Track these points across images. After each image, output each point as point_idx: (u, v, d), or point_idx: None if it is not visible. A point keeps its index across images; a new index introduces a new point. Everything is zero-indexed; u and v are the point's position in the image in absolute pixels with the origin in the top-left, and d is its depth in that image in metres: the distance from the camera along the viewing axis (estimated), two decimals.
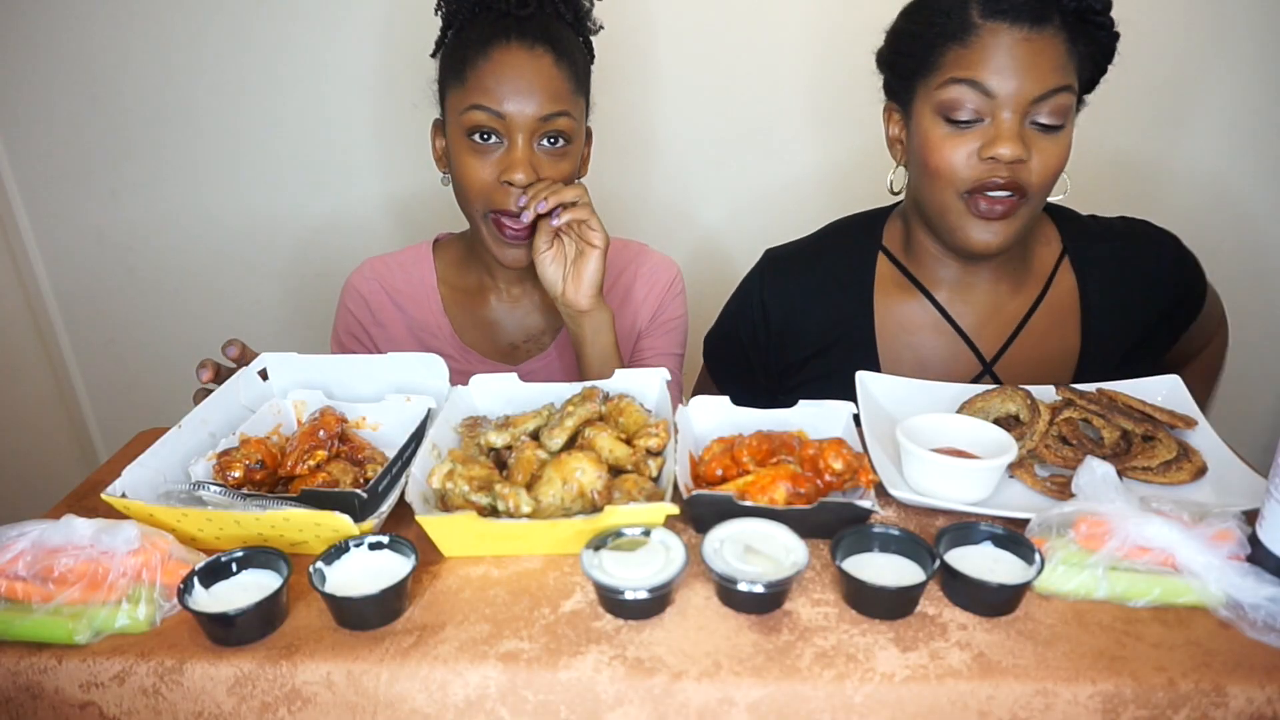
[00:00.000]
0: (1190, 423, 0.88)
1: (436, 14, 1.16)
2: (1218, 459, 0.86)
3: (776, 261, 1.23)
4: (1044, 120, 0.97)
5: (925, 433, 0.85)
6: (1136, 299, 1.13)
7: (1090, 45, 0.99)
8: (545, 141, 1.10)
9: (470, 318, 1.29)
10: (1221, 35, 1.65)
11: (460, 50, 1.10)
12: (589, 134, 1.21)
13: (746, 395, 1.23)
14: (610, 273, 1.28)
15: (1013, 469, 0.86)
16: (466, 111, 1.08)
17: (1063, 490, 0.82)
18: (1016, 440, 0.84)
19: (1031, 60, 0.95)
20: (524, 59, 1.07)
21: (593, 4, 1.18)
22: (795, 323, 1.19)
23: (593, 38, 1.21)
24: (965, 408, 0.95)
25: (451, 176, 1.17)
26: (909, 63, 1.04)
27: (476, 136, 1.09)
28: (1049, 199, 1.09)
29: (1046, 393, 0.95)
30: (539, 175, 1.10)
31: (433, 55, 1.17)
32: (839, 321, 1.16)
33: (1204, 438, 0.88)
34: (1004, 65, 0.96)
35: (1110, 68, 1.04)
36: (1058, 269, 1.14)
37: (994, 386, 0.95)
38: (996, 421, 0.92)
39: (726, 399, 0.93)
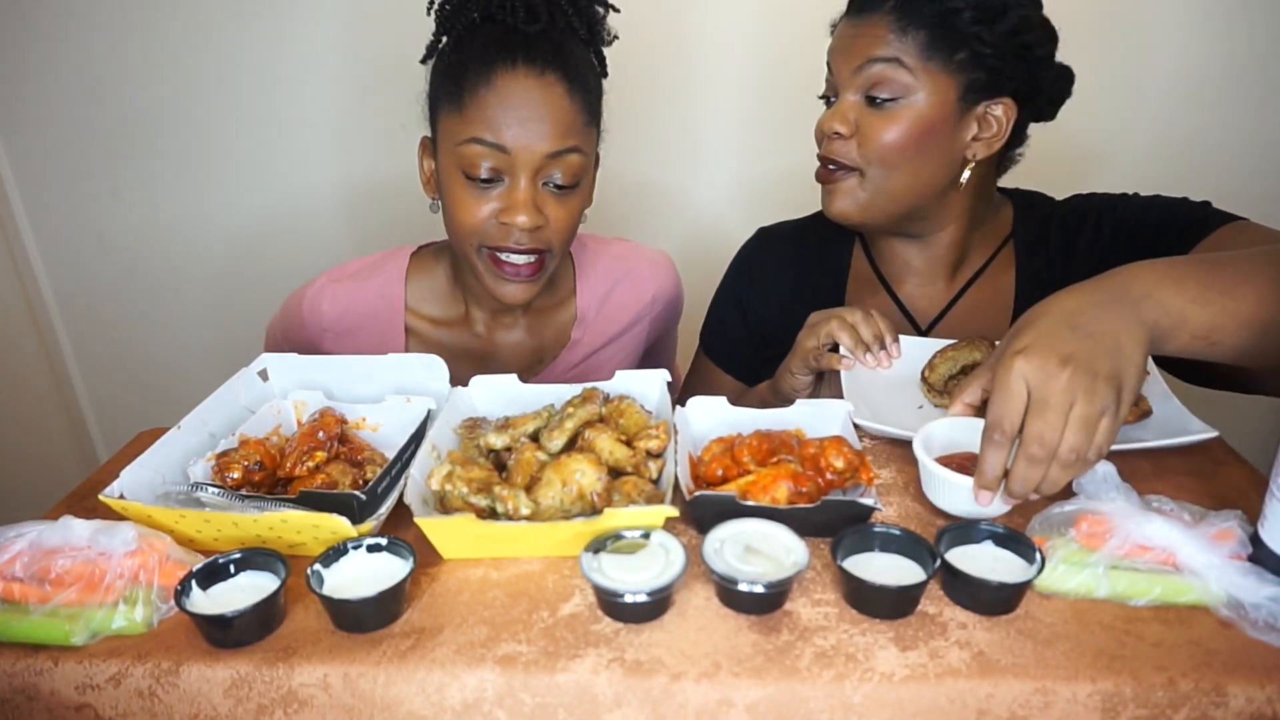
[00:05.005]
0: None
1: (429, 13, 1.03)
2: (1163, 401, 0.90)
3: (767, 236, 1.30)
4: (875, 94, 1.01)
5: (943, 441, 0.81)
6: (1078, 273, 1.10)
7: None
8: (553, 184, 1.00)
9: (446, 353, 1.04)
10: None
11: (459, 70, 0.97)
12: (596, 160, 1.08)
13: (748, 373, 1.26)
14: (602, 283, 1.25)
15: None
16: (465, 144, 0.97)
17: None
18: None
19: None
20: (532, 86, 0.94)
21: (608, 10, 1.06)
22: (777, 293, 1.25)
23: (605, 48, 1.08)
24: (938, 357, 0.98)
25: (442, 206, 1.07)
26: None
27: (475, 174, 0.98)
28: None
29: None
30: (543, 219, 1.00)
31: (423, 61, 1.04)
32: (814, 300, 1.18)
33: (1153, 385, 0.92)
34: None
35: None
36: (1000, 251, 1.16)
37: (959, 340, 1.00)
38: (962, 371, 0.96)
39: (724, 399, 0.93)
